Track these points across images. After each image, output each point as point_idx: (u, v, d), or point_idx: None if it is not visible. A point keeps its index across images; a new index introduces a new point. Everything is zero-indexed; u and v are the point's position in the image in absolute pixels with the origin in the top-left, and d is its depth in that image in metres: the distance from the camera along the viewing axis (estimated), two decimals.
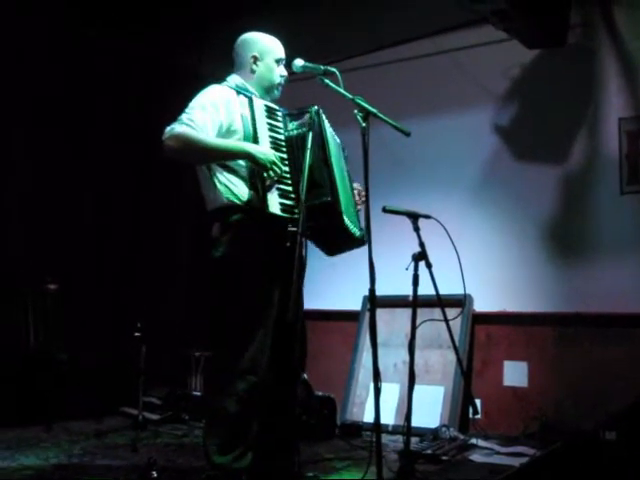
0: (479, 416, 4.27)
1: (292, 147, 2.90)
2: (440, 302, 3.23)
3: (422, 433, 4.14)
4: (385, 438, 4.12)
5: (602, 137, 4.58)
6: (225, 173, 2.86)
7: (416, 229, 3.25)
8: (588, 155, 4.62)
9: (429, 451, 3.77)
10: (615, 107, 4.54)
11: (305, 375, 4.01)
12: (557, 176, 4.70)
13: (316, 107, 2.88)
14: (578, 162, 4.65)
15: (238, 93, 2.95)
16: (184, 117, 2.79)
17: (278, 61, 3.05)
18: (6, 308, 4.61)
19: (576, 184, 4.64)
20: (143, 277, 5.30)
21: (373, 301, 2.67)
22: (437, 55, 5.11)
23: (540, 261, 4.69)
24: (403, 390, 4.65)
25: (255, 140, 2.83)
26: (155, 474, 3.07)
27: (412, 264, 3.19)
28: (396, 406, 4.73)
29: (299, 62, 2.96)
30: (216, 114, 2.84)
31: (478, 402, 4.45)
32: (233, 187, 2.84)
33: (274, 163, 2.79)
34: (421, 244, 3.22)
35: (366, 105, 2.75)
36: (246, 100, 2.92)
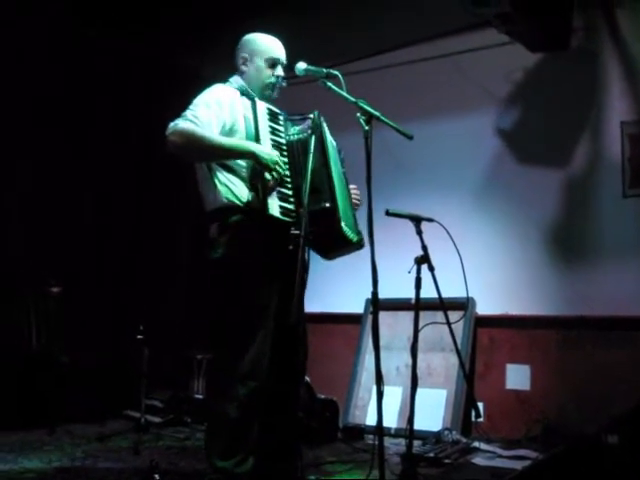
0: (481, 419, 4.27)
1: (293, 151, 2.90)
2: (443, 305, 3.24)
3: (424, 436, 4.13)
4: (387, 441, 4.11)
5: (605, 140, 4.58)
6: (225, 173, 2.85)
7: (419, 232, 3.24)
8: (591, 158, 4.62)
9: (431, 454, 3.77)
10: (618, 110, 4.54)
11: (307, 378, 4.00)
12: (559, 179, 4.69)
13: (317, 113, 2.87)
14: (580, 165, 4.65)
15: (242, 94, 2.95)
16: (188, 113, 2.79)
17: (270, 61, 3.00)
18: (7, 309, 4.60)
19: (579, 187, 4.64)
20: (143, 277, 5.30)
21: (376, 304, 2.66)
22: (439, 58, 5.11)
23: (543, 264, 4.69)
24: (406, 393, 4.65)
25: (257, 142, 2.83)
26: (157, 477, 3.06)
27: (415, 267, 3.19)
28: (398, 409, 4.72)
29: (302, 65, 2.94)
30: (220, 112, 2.84)
31: (480, 405, 4.44)
32: (233, 187, 2.83)
33: (277, 164, 2.79)
34: (424, 247, 3.22)
35: (369, 108, 2.74)
36: (249, 102, 2.92)
